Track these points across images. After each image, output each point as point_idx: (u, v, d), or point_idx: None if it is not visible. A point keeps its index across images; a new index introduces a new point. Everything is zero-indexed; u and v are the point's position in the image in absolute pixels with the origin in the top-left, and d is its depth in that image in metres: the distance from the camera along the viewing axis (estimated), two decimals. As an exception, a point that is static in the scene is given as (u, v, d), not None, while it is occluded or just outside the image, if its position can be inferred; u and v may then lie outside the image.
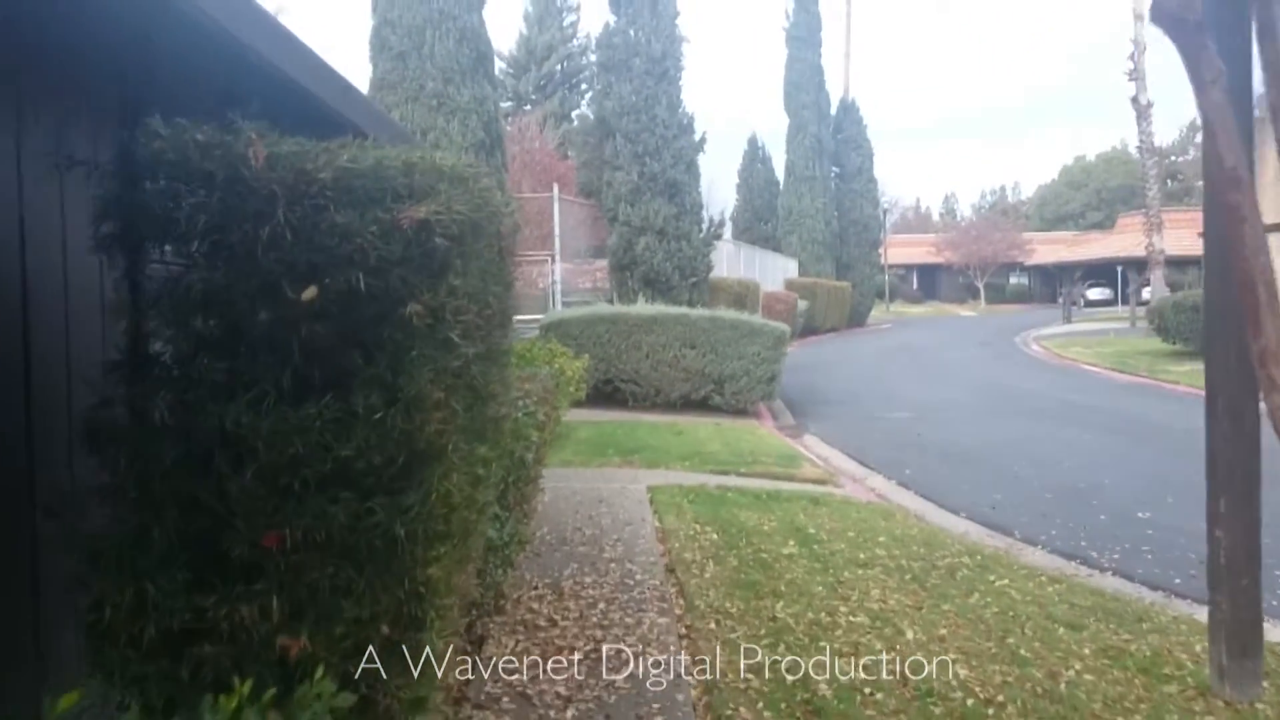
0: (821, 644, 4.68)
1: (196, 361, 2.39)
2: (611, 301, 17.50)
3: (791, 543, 6.66)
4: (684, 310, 15.36)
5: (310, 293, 2.35)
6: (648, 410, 14.32)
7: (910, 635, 4.83)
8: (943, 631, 4.92)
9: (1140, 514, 8.39)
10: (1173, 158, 68.78)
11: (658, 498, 8.08)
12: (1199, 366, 17.92)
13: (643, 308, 15.31)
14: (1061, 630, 5.06)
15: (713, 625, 4.98)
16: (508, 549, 5.00)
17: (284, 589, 2.43)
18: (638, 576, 5.80)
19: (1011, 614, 5.30)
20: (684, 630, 4.95)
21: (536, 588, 5.55)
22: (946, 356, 26.35)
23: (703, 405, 14.55)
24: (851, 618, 5.09)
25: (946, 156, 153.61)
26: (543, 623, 4.98)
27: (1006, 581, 5.97)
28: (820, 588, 5.64)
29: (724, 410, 14.48)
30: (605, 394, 14.56)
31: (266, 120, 2.50)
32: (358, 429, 2.39)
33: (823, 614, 5.14)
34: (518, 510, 5.23)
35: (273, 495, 2.40)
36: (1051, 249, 62.75)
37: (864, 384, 19.59)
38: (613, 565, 6.04)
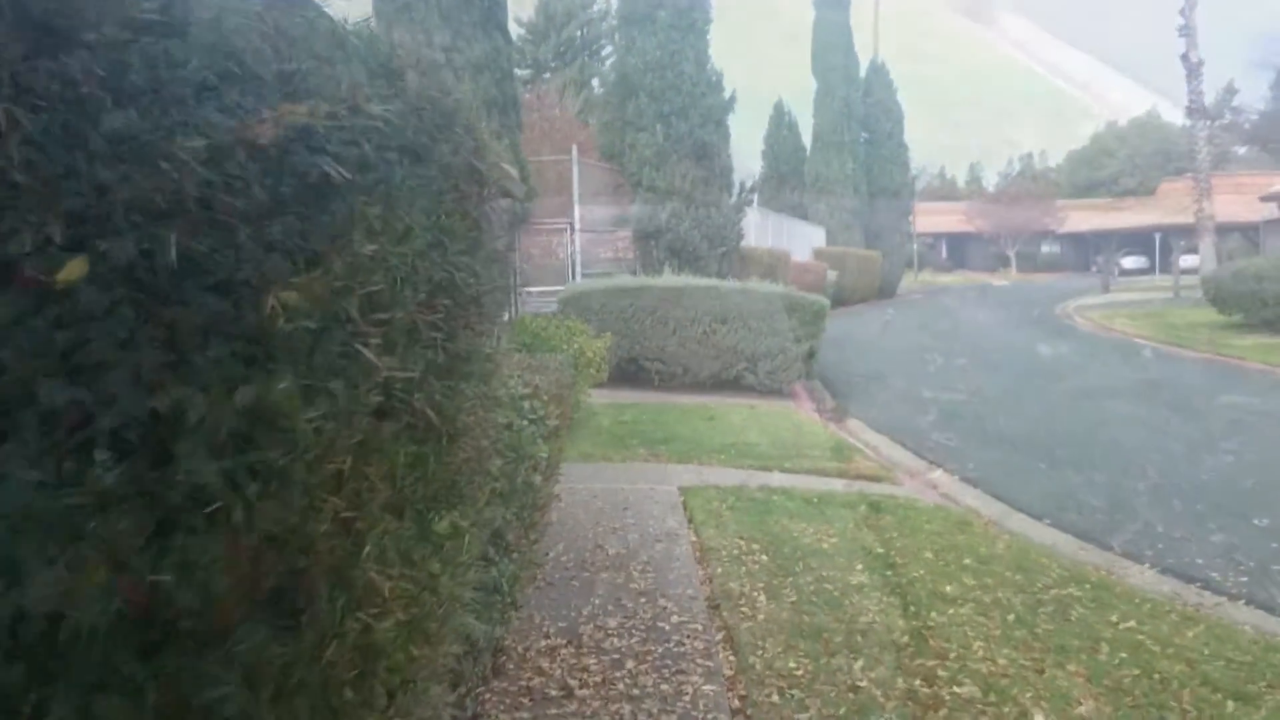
0: (924, 732, 3.54)
1: None
2: (635, 273, 16.28)
3: (859, 567, 5.49)
4: (714, 282, 14.11)
5: (73, 269, 1.20)
6: (675, 391, 13.14)
7: (1040, 718, 3.66)
8: (1081, 710, 3.75)
9: (1257, 521, 7.14)
10: (1209, 121, 66.31)
11: (692, 502, 6.92)
12: (1264, 340, 16.62)
13: (669, 279, 14.07)
14: (1231, 705, 3.87)
15: (775, 697, 3.83)
16: (512, 591, 3.89)
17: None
18: (674, 618, 4.65)
19: (1158, 676, 4.12)
20: (737, 703, 3.81)
21: (548, 635, 4.43)
22: (989, 329, 24.99)
23: (734, 385, 13.36)
24: (955, 687, 3.92)
25: (970, 123, 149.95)
26: (555, 691, 3.85)
27: (1134, 623, 4.78)
28: (905, 636, 4.48)
29: (757, 390, 13.28)
30: (629, 373, 13.38)
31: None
32: (176, 530, 1.25)
33: (917, 680, 3.98)
34: (522, 544, 4.10)
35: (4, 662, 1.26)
36: (1085, 216, 60.71)
37: (906, 360, 18.30)
38: (643, 600, 4.90)
